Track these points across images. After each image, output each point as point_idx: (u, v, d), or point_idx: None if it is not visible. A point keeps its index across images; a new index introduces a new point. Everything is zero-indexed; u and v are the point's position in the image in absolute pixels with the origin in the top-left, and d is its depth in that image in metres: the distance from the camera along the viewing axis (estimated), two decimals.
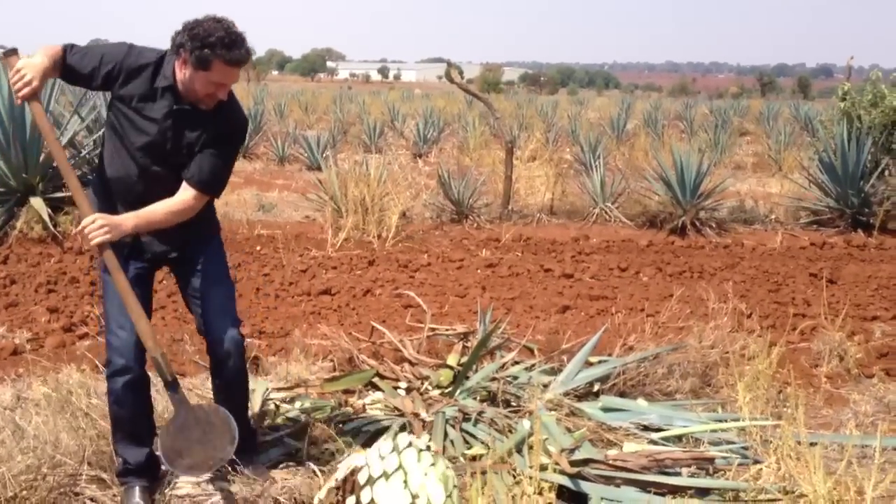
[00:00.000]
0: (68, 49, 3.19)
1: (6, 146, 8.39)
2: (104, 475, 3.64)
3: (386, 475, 3.21)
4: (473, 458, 3.81)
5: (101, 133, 8.78)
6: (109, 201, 3.29)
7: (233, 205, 10.55)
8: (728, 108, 30.91)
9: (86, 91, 9.75)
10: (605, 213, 10.37)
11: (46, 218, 8.15)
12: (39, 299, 6.53)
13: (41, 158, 8.67)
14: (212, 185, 3.31)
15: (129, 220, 3.15)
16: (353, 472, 3.25)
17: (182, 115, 3.19)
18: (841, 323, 5.52)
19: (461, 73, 12.97)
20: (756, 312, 6.21)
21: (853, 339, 5.64)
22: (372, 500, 3.16)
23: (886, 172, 10.44)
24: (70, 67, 3.18)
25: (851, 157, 10.12)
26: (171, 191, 3.26)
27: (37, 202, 8.23)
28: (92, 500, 3.51)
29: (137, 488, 3.42)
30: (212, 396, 3.76)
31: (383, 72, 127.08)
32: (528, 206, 10.64)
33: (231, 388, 3.55)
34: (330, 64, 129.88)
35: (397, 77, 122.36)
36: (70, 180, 3.16)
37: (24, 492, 3.37)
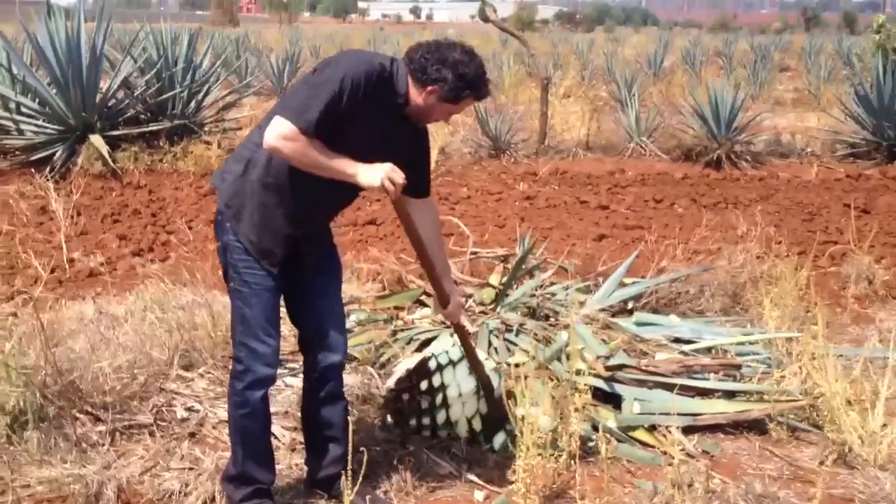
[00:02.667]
0: (309, 126, 2.78)
1: (65, 86, 8.78)
2: (186, 374, 4.07)
3: (453, 363, 3.59)
4: (516, 366, 4.16)
5: (151, 74, 9.17)
6: (279, 204, 2.96)
7: None
8: (769, 43, 30.50)
9: (137, 33, 10.14)
10: (641, 147, 10.59)
11: (106, 154, 8.56)
12: (107, 228, 6.96)
13: (98, 98, 9.07)
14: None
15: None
16: (424, 361, 3.61)
17: (405, 129, 3.04)
18: (870, 248, 5.77)
19: (495, 11, 13.08)
20: (787, 239, 6.46)
21: (881, 262, 5.88)
22: (442, 382, 3.56)
23: None
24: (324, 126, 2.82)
25: (886, 90, 10.24)
26: (355, 193, 3.11)
27: (96, 139, 8.64)
28: (176, 393, 3.94)
29: None
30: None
31: (415, 12, 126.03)
32: (563, 142, 10.88)
33: (336, 412, 3.28)
34: (361, 5, 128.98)
35: (429, 17, 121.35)
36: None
37: (119, 386, 3.79)
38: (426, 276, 3.24)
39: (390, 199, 2.90)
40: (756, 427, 3.80)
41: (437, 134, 9.60)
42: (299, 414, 3.45)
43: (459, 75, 2.90)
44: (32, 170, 8.71)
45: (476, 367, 3.51)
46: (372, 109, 2.89)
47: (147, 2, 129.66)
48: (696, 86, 13.76)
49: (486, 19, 11.38)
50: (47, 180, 8.45)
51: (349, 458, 2.76)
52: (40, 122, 9.12)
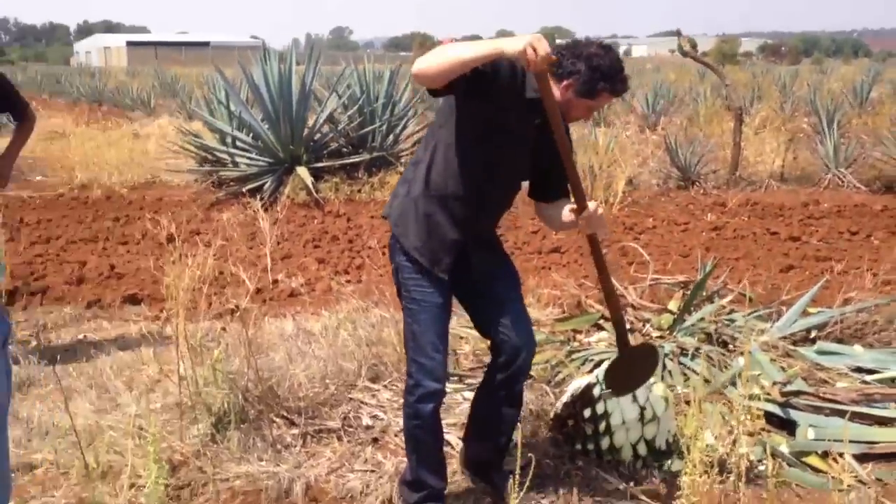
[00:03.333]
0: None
1: (276, 121, 9.55)
2: (372, 385, 4.39)
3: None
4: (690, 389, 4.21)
5: (354, 109, 9.79)
6: (442, 212, 3.13)
7: None
8: None
9: (342, 72, 10.84)
10: (838, 178, 10.24)
11: (310, 185, 9.22)
12: (308, 252, 7.51)
13: (305, 132, 9.79)
14: None
15: None
16: (589, 388, 3.74)
17: (544, 129, 3.06)
18: None
19: (694, 45, 13.01)
20: None
21: None
22: (605, 410, 3.66)
23: None
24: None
25: None
26: (510, 195, 3.28)
27: (302, 171, 9.33)
28: (363, 402, 4.26)
29: None
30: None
31: (613, 48, 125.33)
32: (756, 173, 10.69)
33: (515, 397, 3.43)
34: (559, 41, 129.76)
35: (628, 52, 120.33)
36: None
37: (311, 394, 4.16)
38: (570, 179, 3.07)
39: (530, 67, 2.79)
40: None
41: (626, 164, 9.69)
42: None
43: (594, 67, 2.98)
44: (245, 199, 9.51)
45: (609, 297, 3.39)
46: (513, 104, 3.00)
47: (354, 44, 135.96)
48: None
49: (684, 53, 11.36)
50: (257, 210, 9.22)
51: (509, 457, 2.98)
52: (253, 155, 9.94)
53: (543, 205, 3.36)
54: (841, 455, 3.61)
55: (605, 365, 3.78)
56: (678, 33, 11.26)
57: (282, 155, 9.64)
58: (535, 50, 2.70)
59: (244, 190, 9.65)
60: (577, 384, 3.88)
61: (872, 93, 21.05)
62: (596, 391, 3.74)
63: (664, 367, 4.35)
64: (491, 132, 3.02)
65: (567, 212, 3.17)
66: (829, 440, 3.74)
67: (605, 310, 5.26)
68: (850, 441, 3.54)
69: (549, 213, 3.32)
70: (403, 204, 3.20)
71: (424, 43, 68.66)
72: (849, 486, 3.31)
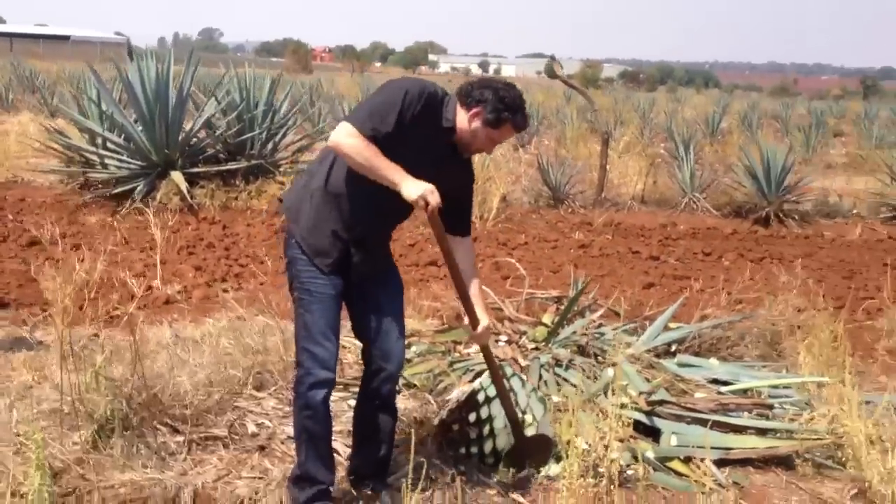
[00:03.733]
0: (371, 132, 3.13)
1: (150, 124, 9.38)
2: (258, 393, 4.45)
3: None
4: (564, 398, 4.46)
5: (233, 115, 9.74)
6: (333, 209, 3.30)
7: None
8: (826, 109, 30.65)
9: (222, 77, 10.76)
10: (693, 202, 10.92)
11: (185, 190, 9.11)
12: (183, 259, 7.44)
13: (181, 136, 9.66)
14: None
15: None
16: (473, 394, 3.94)
17: (453, 158, 3.35)
18: None
19: (561, 67, 13.52)
20: (827, 294, 6.69)
21: None
22: (490, 414, 3.87)
23: None
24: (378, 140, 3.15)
25: None
26: (403, 215, 3.46)
27: (177, 176, 9.21)
28: (248, 410, 4.31)
29: None
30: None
31: (483, 66, 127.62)
32: (620, 195, 11.26)
33: (385, 419, 3.60)
34: (432, 57, 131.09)
35: (497, 72, 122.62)
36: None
37: (196, 401, 4.18)
38: (460, 300, 3.45)
39: (427, 216, 3.15)
40: (784, 463, 4.04)
41: (500, 182, 10.01)
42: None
43: (500, 98, 3.23)
44: (114, 202, 9.30)
45: (501, 393, 3.71)
46: (424, 131, 3.21)
47: (224, 47, 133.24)
48: (751, 147, 14.04)
49: (552, 75, 11.84)
50: (127, 213, 9.05)
51: (390, 464, 3.22)
52: (124, 157, 9.71)
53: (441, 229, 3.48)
54: (702, 460, 3.92)
55: (486, 382, 3.99)
56: (553, 58, 11.72)
57: (155, 158, 9.47)
58: (426, 202, 3.08)
59: (113, 193, 9.43)
60: (462, 390, 4.07)
61: (722, 123, 22.34)
62: (480, 397, 3.94)
63: (540, 376, 4.59)
64: (394, 151, 3.16)
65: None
66: (690, 446, 4.05)
67: None
68: (710, 448, 3.84)
69: (443, 233, 3.39)
70: (300, 193, 3.40)
71: (298, 50, 68.10)
72: (710, 488, 3.61)
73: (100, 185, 9.68)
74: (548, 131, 20.28)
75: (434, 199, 3.08)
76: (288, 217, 3.42)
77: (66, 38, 70.51)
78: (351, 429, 3.79)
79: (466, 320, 3.49)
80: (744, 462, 4.05)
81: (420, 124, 3.17)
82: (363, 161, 3.11)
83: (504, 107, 3.24)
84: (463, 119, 3.27)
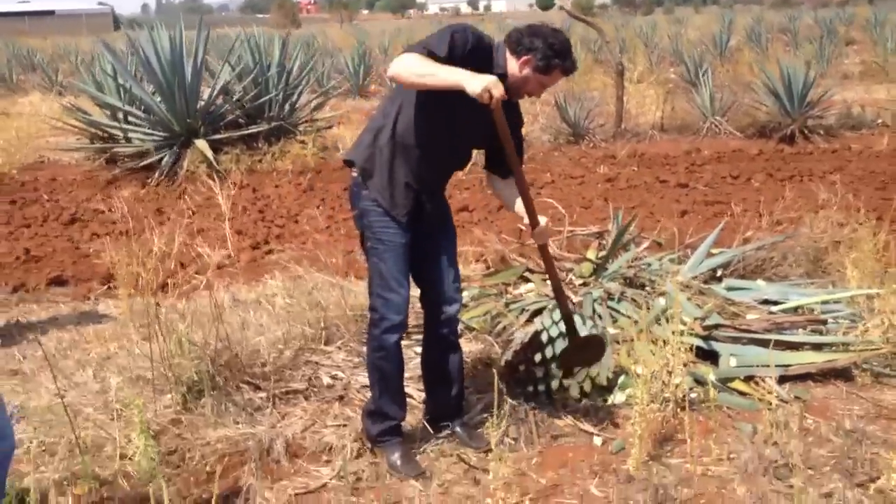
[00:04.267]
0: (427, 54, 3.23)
1: (169, 94, 9.44)
2: (326, 347, 4.60)
3: (562, 335, 4.02)
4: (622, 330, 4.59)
5: (248, 79, 9.77)
6: (404, 160, 3.45)
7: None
8: (833, 17, 30.31)
9: (234, 42, 10.77)
10: (715, 126, 10.94)
11: (210, 157, 9.20)
12: (220, 225, 7.56)
13: (200, 104, 9.72)
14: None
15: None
16: (536, 335, 4.07)
17: (505, 102, 3.30)
18: None
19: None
20: (864, 207, 6.77)
21: None
22: (554, 353, 4.00)
23: None
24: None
25: None
26: (463, 163, 3.64)
27: (201, 144, 9.29)
28: (320, 364, 4.46)
29: (398, 446, 3.63)
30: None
31: (473, 4, 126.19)
32: (639, 125, 11.29)
33: (451, 359, 3.78)
34: (420, 0, 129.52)
35: (487, 8, 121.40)
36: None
37: (272, 358, 4.34)
38: (522, 200, 3.53)
39: (492, 107, 3.16)
40: (843, 375, 4.19)
41: None
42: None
43: (549, 45, 3.33)
44: (142, 175, 9.41)
45: (557, 289, 3.80)
46: (476, 71, 3.22)
47: (209, 8, 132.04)
48: (765, 63, 13.99)
49: (544, 7, 11.80)
50: (157, 184, 9.17)
51: (463, 400, 3.47)
52: (146, 130, 9.80)
53: (496, 178, 3.73)
54: (763, 379, 4.06)
55: (547, 322, 4.12)
56: None
57: (178, 129, 9.55)
58: (490, 94, 3.09)
59: (141, 165, 9.53)
60: (526, 331, 4.20)
61: (730, 41, 22.14)
62: (543, 337, 4.06)
63: (594, 311, 4.71)
64: (453, 101, 3.28)
65: (520, 208, 3.60)
66: (750, 366, 4.19)
67: (529, 262, 5.61)
68: (771, 365, 3.97)
69: (501, 189, 3.71)
70: (369, 150, 3.51)
71: (284, 4, 67.34)
72: (774, 404, 3.75)
73: (126, 159, 9.77)
74: None
75: (498, 90, 3.11)
76: (360, 174, 3.53)
77: (51, 12, 70.14)
78: (420, 374, 3.98)
79: (526, 220, 3.58)
80: (803, 377, 4.19)
81: (471, 65, 3.22)
82: (423, 70, 3.16)
83: (554, 53, 3.34)
84: (514, 66, 3.38)
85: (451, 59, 3.21)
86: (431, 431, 3.82)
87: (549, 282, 4.49)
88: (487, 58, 3.38)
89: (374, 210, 3.50)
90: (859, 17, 31.84)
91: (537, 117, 11.56)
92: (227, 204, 4.56)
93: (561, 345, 4.02)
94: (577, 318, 4.10)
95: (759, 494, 3.24)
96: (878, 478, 3.23)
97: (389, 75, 3.26)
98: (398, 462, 3.58)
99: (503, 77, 3.35)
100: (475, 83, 3.10)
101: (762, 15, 36.52)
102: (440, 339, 3.76)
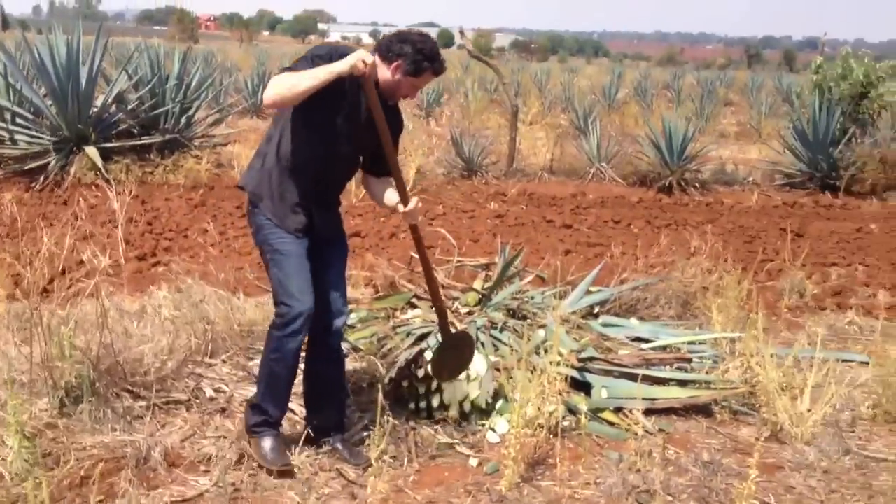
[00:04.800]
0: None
1: (62, 99, 9.25)
2: (210, 360, 4.63)
3: None
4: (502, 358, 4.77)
5: (146, 89, 9.68)
6: (291, 181, 3.64)
7: None
8: (714, 78, 31.85)
9: (133, 51, 10.63)
10: (600, 172, 11.43)
11: (100, 165, 9.05)
12: (108, 233, 7.45)
13: (92, 111, 9.55)
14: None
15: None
16: (421, 352, 4.22)
17: (385, 106, 3.60)
18: (802, 266, 6.55)
19: (462, 34, 13.77)
20: (732, 258, 7.20)
21: (811, 279, 6.66)
22: None
23: (853, 140, 11.56)
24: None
25: (822, 126, 11.23)
26: (349, 173, 3.86)
27: (91, 150, 9.13)
28: (203, 376, 4.49)
29: (271, 437, 3.75)
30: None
31: (374, 35, 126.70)
32: (530, 165, 11.68)
33: (335, 371, 3.95)
34: (321, 26, 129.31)
35: None
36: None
37: (154, 369, 4.34)
38: (394, 178, 3.74)
39: (364, 77, 3.41)
40: (704, 411, 4.46)
41: (414, 155, 10.27)
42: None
43: (418, 49, 3.56)
44: (26, 179, 9.17)
45: (429, 275, 4.04)
46: (348, 87, 3.52)
47: (103, 15, 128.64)
48: (649, 117, 14.66)
49: (445, 45, 12.10)
50: (42, 189, 8.95)
51: (345, 416, 3.72)
52: (34, 133, 9.55)
53: (371, 179, 3.90)
54: (630, 411, 4.30)
55: (433, 343, 4.28)
56: (461, 31, 11.98)
57: (68, 133, 9.36)
58: (363, 62, 3.37)
59: (26, 169, 9.28)
60: (410, 351, 4.34)
61: (618, 93, 23.05)
62: (427, 355, 4.22)
63: (477, 338, 4.88)
64: (325, 117, 3.58)
65: (390, 196, 3.79)
66: (619, 398, 4.43)
67: (417, 289, 5.75)
68: (638, 399, 4.21)
69: (375, 187, 3.89)
70: (259, 175, 3.72)
71: (183, 18, 66.26)
72: (640, 435, 3.98)
73: (11, 162, 9.49)
74: (448, 103, 20.59)
75: (368, 58, 3.40)
76: (252, 198, 3.71)
77: None
78: (303, 390, 4.04)
79: (398, 199, 3.75)
80: (668, 411, 4.44)
81: (336, 92, 3.48)
82: (292, 81, 3.36)
83: (423, 57, 3.58)
84: (386, 72, 3.59)
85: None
86: (312, 445, 3.90)
87: (433, 307, 4.65)
88: (322, 60, 3.53)
89: (268, 224, 3.68)
90: (738, 81, 33.58)
91: (433, 150, 11.81)
92: (121, 210, 4.42)
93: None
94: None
95: None
96: None
97: (267, 104, 3.44)
98: (268, 452, 3.72)
99: (377, 84, 3.56)
100: (344, 63, 3.36)
101: (649, 71, 38.07)
102: (326, 350, 3.89)
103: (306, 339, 3.86)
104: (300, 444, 3.86)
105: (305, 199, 3.67)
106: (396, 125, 3.80)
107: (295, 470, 3.71)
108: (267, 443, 3.74)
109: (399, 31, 3.69)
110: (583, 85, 27.38)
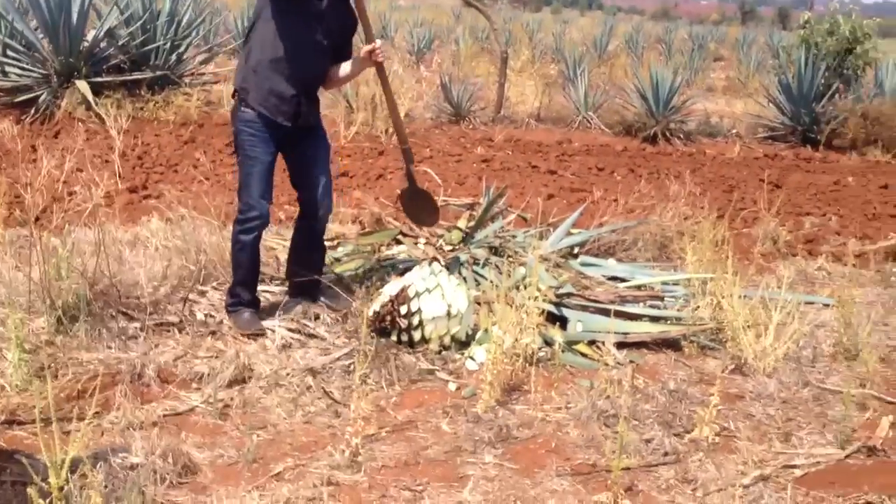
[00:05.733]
0: None
1: (53, 33, 9.28)
2: (202, 287, 4.80)
3: (428, 290, 4.37)
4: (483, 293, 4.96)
5: (136, 25, 9.70)
6: (276, 72, 4.15)
7: None
8: (707, 34, 31.78)
9: None
10: (587, 121, 11.56)
11: (91, 99, 9.11)
12: (98, 166, 7.55)
13: (83, 45, 9.59)
14: None
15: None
16: (403, 289, 4.39)
17: (339, 7, 4.29)
18: (777, 214, 6.74)
19: None
20: (710, 205, 7.38)
21: (785, 226, 6.86)
22: (419, 308, 4.33)
23: (836, 95, 11.70)
24: None
25: (806, 80, 11.36)
26: (326, 60, 4.35)
27: (81, 84, 9.19)
28: (195, 301, 4.65)
29: (245, 311, 4.40)
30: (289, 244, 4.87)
31: None
32: (517, 113, 11.79)
33: (317, 247, 4.70)
34: None
35: None
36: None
37: (147, 292, 4.52)
38: (364, 27, 4.46)
39: None
40: (673, 345, 4.66)
41: (403, 99, 10.36)
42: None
43: None
44: (17, 111, 9.23)
45: (396, 119, 4.83)
46: None
47: None
48: (639, 68, 14.74)
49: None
50: (33, 121, 9.02)
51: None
52: (25, 66, 9.59)
53: (333, 67, 4.43)
54: (603, 343, 4.51)
55: (416, 279, 4.47)
56: None
57: (59, 67, 9.40)
58: None
59: (16, 101, 9.34)
60: (394, 286, 4.51)
61: (609, 45, 23.04)
62: (410, 292, 4.39)
63: (460, 273, 5.06)
64: (299, 9, 4.13)
65: (345, 66, 4.45)
66: (594, 332, 4.63)
67: (403, 226, 5.92)
68: (611, 332, 4.41)
69: (332, 72, 4.44)
70: (244, 70, 4.25)
71: None
72: (610, 365, 4.19)
73: (1, 94, 9.54)
74: (438, 50, 20.56)
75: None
76: (241, 94, 4.24)
77: None
78: (287, 258, 4.88)
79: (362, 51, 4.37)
80: (639, 345, 4.64)
81: None
82: None
83: None
84: None
85: None
86: (290, 300, 4.67)
87: (401, 149, 4.98)
88: None
89: (245, 130, 4.22)
90: (730, 37, 33.52)
91: (422, 95, 11.90)
92: (125, 141, 4.61)
93: (426, 299, 4.36)
94: (447, 287, 4.47)
95: (590, 437, 3.66)
96: (693, 430, 3.70)
97: None
98: (242, 321, 4.37)
99: None
100: None
101: (642, 25, 37.86)
102: (312, 234, 4.60)
103: (296, 218, 4.68)
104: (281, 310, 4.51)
105: (294, 86, 4.18)
106: (350, 16, 4.40)
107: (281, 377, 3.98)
108: (241, 315, 4.37)
109: None
110: (574, 36, 27.28)
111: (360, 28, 4.55)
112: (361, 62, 4.46)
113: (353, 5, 4.32)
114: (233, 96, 4.35)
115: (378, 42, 4.33)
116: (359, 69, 4.56)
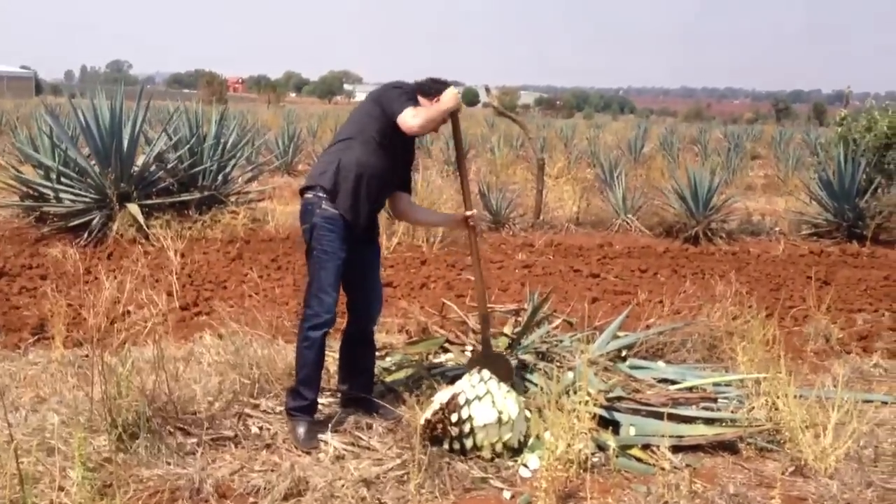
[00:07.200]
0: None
1: (105, 159, 9.65)
2: (255, 400, 4.85)
3: (479, 397, 4.39)
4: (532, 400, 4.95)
5: (184, 149, 10.06)
6: (366, 185, 4.46)
7: (293, 215, 11.78)
8: (742, 133, 32.10)
9: (173, 113, 11.06)
10: (627, 223, 11.64)
11: (141, 221, 9.39)
12: (152, 286, 7.74)
13: (134, 170, 9.95)
14: None
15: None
16: (454, 397, 4.41)
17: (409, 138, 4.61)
18: (828, 311, 6.69)
19: (488, 91, 14.11)
20: (757, 304, 7.34)
21: (836, 324, 6.79)
22: (470, 415, 4.34)
23: (879, 190, 11.71)
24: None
25: (847, 176, 11.40)
26: (395, 183, 4.69)
27: (133, 208, 9.48)
28: (248, 414, 4.70)
29: (305, 423, 4.46)
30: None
31: None
32: (556, 218, 11.93)
33: (369, 350, 4.91)
34: (347, 86, 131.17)
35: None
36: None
37: (204, 406, 4.58)
38: (461, 182, 4.98)
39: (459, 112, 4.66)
40: (729, 448, 4.60)
41: (443, 208, 10.54)
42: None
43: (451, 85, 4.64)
44: (71, 235, 9.53)
45: (477, 275, 4.94)
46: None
47: (134, 78, 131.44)
48: (675, 170, 14.90)
49: (470, 103, 12.49)
50: (86, 244, 9.29)
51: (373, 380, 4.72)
52: (78, 191, 9.94)
53: (400, 198, 4.79)
54: (658, 447, 4.46)
55: (465, 387, 4.50)
56: (486, 88, 12.34)
57: (110, 192, 9.73)
58: (460, 99, 4.60)
59: (71, 225, 9.64)
60: (444, 394, 4.53)
61: (644, 148, 23.36)
62: (461, 399, 4.41)
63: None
64: (392, 138, 4.50)
65: (431, 214, 5.26)
66: (647, 435, 4.59)
67: (449, 334, 5.97)
68: (665, 436, 4.37)
69: (405, 207, 4.87)
70: (335, 176, 4.44)
71: (212, 81, 67.69)
72: (667, 470, 4.14)
73: (56, 219, 9.87)
74: (474, 159, 20.93)
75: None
76: (328, 195, 4.43)
77: None
78: (338, 367, 5.05)
79: (451, 215, 5.01)
80: (695, 448, 4.57)
81: (413, 102, 4.45)
82: (432, 116, 4.41)
83: (438, 90, 4.60)
84: (426, 103, 4.53)
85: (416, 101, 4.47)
86: (344, 409, 4.80)
87: (467, 351, 4.89)
88: (415, 96, 4.51)
89: (325, 226, 4.40)
90: (766, 135, 33.78)
91: (461, 204, 12.05)
92: (176, 260, 4.75)
93: (477, 406, 4.37)
94: (497, 396, 4.50)
95: None
96: None
97: (418, 131, 4.42)
98: (301, 434, 4.42)
99: None
100: (453, 101, 4.50)
101: (675, 126, 38.41)
102: (362, 335, 4.81)
103: (345, 322, 4.81)
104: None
105: (374, 200, 4.54)
106: (414, 151, 4.87)
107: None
108: (301, 427, 4.43)
109: (431, 78, 4.69)
110: (608, 140, 27.74)
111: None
112: (454, 222, 5.09)
113: (457, 167, 5.03)
114: (301, 193, 4.58)
115: (475, 211, 4.85)
116: (446, 225, 5.30)
